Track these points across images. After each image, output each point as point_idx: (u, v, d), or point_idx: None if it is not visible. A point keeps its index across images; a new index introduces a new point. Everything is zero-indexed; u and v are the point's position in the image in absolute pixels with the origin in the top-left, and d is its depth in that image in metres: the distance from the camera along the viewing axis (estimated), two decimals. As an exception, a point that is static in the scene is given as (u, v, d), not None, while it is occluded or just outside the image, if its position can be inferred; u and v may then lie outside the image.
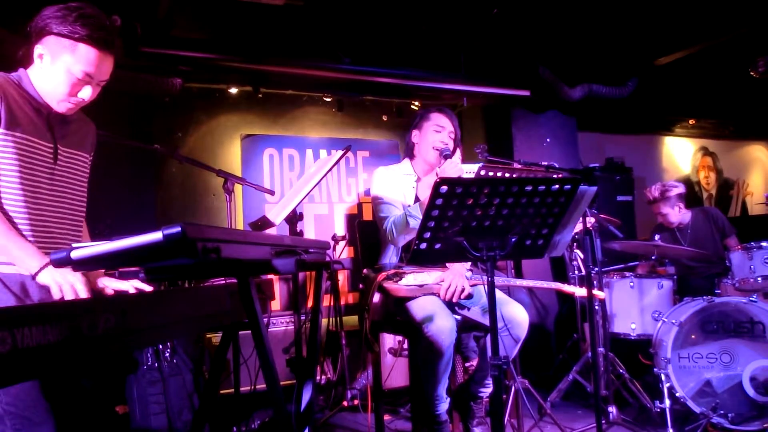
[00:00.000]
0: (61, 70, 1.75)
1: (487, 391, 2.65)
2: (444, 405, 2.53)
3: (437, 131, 2.85)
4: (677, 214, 4.21)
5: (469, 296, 2.58)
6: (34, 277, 1.62)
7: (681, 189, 4.22)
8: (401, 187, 2.84)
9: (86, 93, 1.81)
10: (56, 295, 1.59)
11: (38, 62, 1.77)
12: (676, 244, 4.18)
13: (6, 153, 1.71)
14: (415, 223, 2.55)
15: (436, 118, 2.88)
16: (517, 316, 2.53)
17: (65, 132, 1.89)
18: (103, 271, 1.94)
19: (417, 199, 2.80)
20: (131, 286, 1.83)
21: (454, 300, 2.56)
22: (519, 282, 3.08)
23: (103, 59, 1.78)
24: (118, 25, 1.81)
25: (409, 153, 2.97)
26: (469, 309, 2.68)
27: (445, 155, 2.70)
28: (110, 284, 1.88)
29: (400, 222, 2.66)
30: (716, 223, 4.23)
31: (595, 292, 2.93)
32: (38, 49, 1.76)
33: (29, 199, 1.77)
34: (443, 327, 2.38)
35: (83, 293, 1.60)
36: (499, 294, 2.46)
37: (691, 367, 3.16)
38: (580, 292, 2.86)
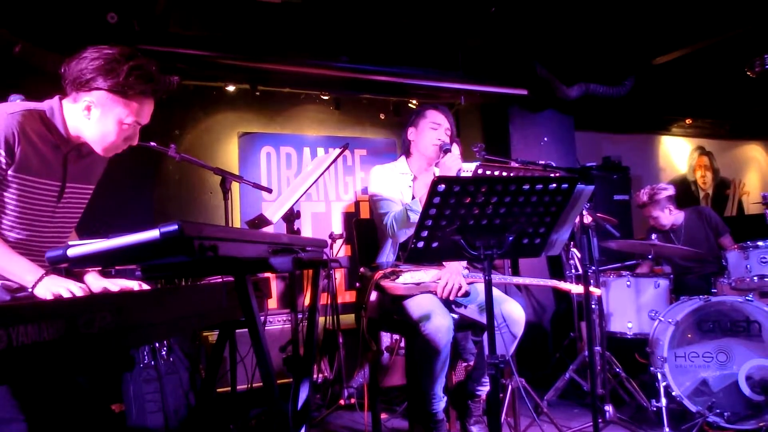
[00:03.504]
0: (112, 122, 1.78)
1: (484, 389, 2.65)
2: (441, 403, 2.53)
3: (434, 128, 2.86)
4: (668, 217, 4.21)
5: (466, 294, 2.58)
6: (31, 290, 1.62)
7: (670, 191, 4.21)
8: (398, 186, 2.85)
9: (135, 138, 1.87)
10: None
11: (85, 112, 1.77)
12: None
13: (11, 192, 1.73)
14: (415, 217, 2.55)
15: (432, 116, 2.89)
16: (513, 313, 2.54)
17: (77, 168, 1.91)
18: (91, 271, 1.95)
19: (413, 198, 2.80)
20: (115, 284, 1.84)
21: (451, 298, 2.56)
22: (515, 279, 3.08)
23: (150, 105, 1.85)
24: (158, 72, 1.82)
25: (406, 150, 2.98)
26: (466, 307, 2.69)
27: (445, 150, 2.73)
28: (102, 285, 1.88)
29: (400, 217, 2.67)
30: (709, 222, 4.23)
31: (592, 288, 2.93)
32: (85, 101, 1.76)
33: (30, 234, 1.81)
34: (440, 325, 2.38)
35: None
36: (496, 292, 2.46)
37: (688, 366, 3.17)
38: (575, 289, 2.87)
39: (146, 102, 1.82)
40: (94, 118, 1.77)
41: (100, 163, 2.05)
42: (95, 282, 1.88)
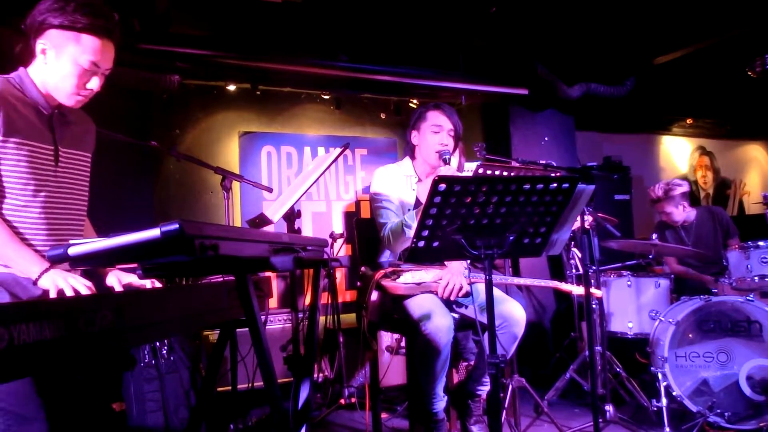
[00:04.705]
0: (67, 62, 1.75)
1: (485, 389, 2.65)
2: (441, 403, 2.53)
3: (436, 132, 2.77)
4: (681, 213, 4.21)
5: (467, 294, 2.58)
6: (35, 282, 1.62)
7: (685, 188, 4.22)
8: (401, 189, 2.81)
9: (95, 83, 1.82)
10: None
11: (41, 58, 1.77)
12: (679, 242, 4.19)
13: (7, 159, 1.71)
14: (410, 233, 2.54)
15: (434, 118, 2.80)
16: (514, 313, 2.54)
17: (66, 133, 1.89)
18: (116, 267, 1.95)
19: (417, 201, 2.77)
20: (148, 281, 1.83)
21: (452, 298, 2.56)
22: (516, 280, 3.08)
23: (106, 47, 1.80)
24: (114, 13, 1.80)
25: (410, 153, 2.92)
26: (466, 307, 2.69)
27: (444, 159, 2.64)
28: (122, 279, 1.89)
29: (396, 230, 2.65)
30: (720, 223, 4.23)
31: (593, 290, 2.93)
32: (40, 45, 1.75)
33: (37, 202, 1.78)
34: (441, 325, 2.38)
35: (83, 292, 1.59)
36: (496, 292, 2.46)
37: (688, 366, 3.17)
38: (576, 290, 2.86)
39: (100, 40, 1.77)
40: (51, 60, 1.76)
41: (89, 131, 2.03)
42: (111, 278, 1.89)
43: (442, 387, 2.53)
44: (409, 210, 2.74)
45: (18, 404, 1.63)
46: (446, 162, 2.63)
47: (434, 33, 4.58)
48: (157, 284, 1.82)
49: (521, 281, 3.15)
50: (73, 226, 1.90)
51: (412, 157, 2.91)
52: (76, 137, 1.94)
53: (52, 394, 1.67)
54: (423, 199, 2.68)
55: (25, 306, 0.89)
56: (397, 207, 2.76)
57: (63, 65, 1.76)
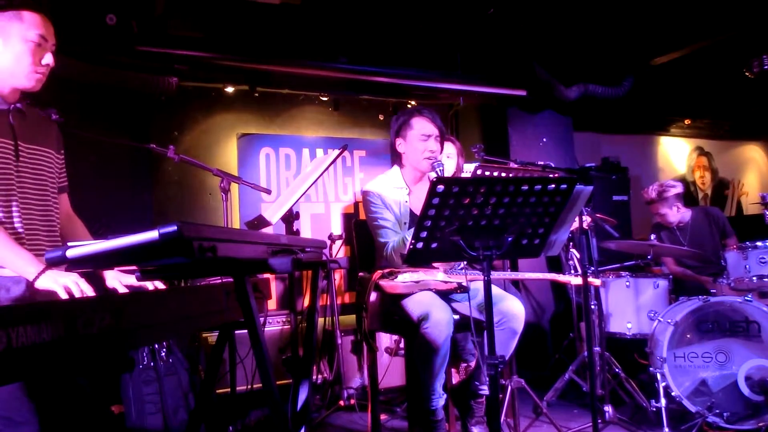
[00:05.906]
0: (17, 42, 1.77)
1: (487, 388, 2.65)
2: (440, 400, 2.52)
3: (424, 140, 2.73)
4: (675, 214, 4.21)
5: (465, 290, 2.58)
6: (33, 283, 1.61)
7: (679, 189, 4.22)
8: (395, 204, 2.76)
9: (49, 58, 1.84)
10: (63, 296, 1.58)
11: None
12: (675, 242, 4.18)
13: None
14: None
15: (420, 126, 2.74)
16: (513, 308, 2.55)
17: (26, 129, 1.87)
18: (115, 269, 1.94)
19: (412, 213, 2.74)
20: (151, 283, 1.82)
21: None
22: (513, 275, 3.09)
23: (46, 21, 1.83)
24: None
25: (398, 161, 2.87)
26: (460, 302, 2.69)
27: (439, 170, 2.62)
28: (123, 280, 1.88)
29: (399, 248, 2.62)
30: (717, 223, 4.23)
31: (591, 279, 2.93)
32: None
33: (5, 202, 1.76)
34: (440, 319, 2.38)
35: (88, 291, 1.59)
36: (495, 290, 2.46)
37: (687, 367, 3.17)
38: (574, 281, 2.88)
39: (39, 15, 1.81)
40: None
41: (51, 130, 2.02)
42: (112, 280, 1.88)
43: (442, 384, 2.53)
44: (405, 223, 2.73)
45: (9, 408, 1.62)
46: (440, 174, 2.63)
47: (432, 35, 4.59)
48: (160, 285, 1.81)
49: (518, 276, 3.16)
50: (39, 226, 1.88)
51: (400, 165, 2.87)
52: (36, 133, 1.92)
53: (45, 397, 1.66)
54: (417, 211, 2.67)
55: (23, 308, 0.89)
56: (394, 224, 2.73)
57: (13, 46, 1.77)
